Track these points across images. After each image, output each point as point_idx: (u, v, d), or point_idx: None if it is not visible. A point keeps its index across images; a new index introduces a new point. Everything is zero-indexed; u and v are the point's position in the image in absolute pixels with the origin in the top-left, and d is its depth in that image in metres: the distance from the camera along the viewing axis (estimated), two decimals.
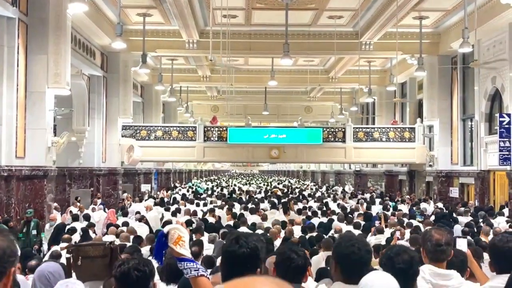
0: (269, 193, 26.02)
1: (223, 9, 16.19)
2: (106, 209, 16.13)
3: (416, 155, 21.88)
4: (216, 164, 59.89)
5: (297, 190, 30.15)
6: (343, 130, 22.46)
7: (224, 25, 16.79)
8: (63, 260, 7.01)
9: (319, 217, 14.03)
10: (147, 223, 12.70)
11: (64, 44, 13.60)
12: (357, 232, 10.02)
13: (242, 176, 76.20)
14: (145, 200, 19.37)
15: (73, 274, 4.18)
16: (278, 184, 44.58)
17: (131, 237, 9.03)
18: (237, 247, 2.57)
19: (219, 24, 17.14)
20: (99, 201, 17.72)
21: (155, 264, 3.30)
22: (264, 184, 43.00)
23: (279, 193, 26.30)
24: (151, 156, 22.34)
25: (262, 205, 17.02)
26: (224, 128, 22.57)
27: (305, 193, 26.54)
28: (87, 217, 13.13)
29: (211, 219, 13.02)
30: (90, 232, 11.13)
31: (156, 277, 3.87)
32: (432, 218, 13.43)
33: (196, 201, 18.51)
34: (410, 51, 19.96)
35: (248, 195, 23.99)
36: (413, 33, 19.31)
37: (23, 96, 13.09)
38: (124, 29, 16.94)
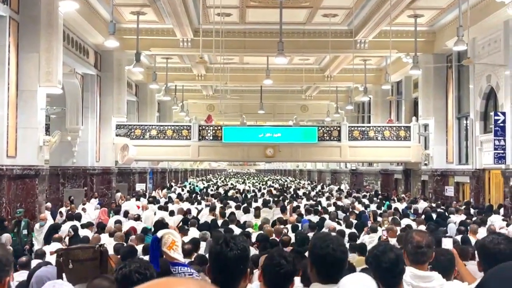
0: (263, 192, 25.96)
1: (217, 7, 16.14)
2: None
3: (411, 153, 21.88)
4: (213, 163, 59.84)
5: (291, 189, 30.13)
6: (338, 129, 22.43)
7: (218, 24, 16.71)
8: (50, 259, 6.98)
9: (312, 215, 13.99)
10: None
11: (56, 42, 13.47)
12: (348, 231, 9.98)
13: (239, 175, 76.26)
14: (136, 199, 19.23)
15: (64, 277, 4.21)
16: (273, 183, 44.61)
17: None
18: (228, 250, 2.62)
19: (213, 22, 17.07)
20: (96, 200, 17.59)
21: None
22: (260, 183, 42.98)
23: (274, 191, 26.30)
24: (145, 155, 22.29)
25: (256, 204, 16.98)
26: (219, 127, 22.52)
27: (300, 192, 26.49)
28: (78, 217, 13.02)
29: (211, 217, 12.98)
30: (88, 231, 11.04)
31: None
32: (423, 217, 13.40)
33: (190, 200, 18.42)
34: (405, 50, 19.95)
35: (243, 194, 23.94)
36: (408, 32, 19.28)
37: (15, 94, 12.96)
38: (118, 27, 16.87)
